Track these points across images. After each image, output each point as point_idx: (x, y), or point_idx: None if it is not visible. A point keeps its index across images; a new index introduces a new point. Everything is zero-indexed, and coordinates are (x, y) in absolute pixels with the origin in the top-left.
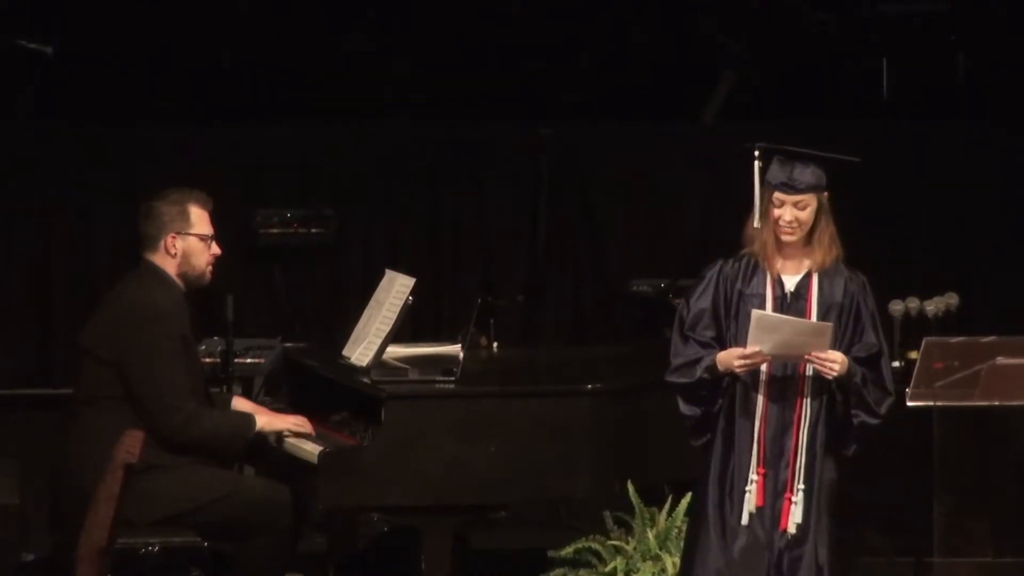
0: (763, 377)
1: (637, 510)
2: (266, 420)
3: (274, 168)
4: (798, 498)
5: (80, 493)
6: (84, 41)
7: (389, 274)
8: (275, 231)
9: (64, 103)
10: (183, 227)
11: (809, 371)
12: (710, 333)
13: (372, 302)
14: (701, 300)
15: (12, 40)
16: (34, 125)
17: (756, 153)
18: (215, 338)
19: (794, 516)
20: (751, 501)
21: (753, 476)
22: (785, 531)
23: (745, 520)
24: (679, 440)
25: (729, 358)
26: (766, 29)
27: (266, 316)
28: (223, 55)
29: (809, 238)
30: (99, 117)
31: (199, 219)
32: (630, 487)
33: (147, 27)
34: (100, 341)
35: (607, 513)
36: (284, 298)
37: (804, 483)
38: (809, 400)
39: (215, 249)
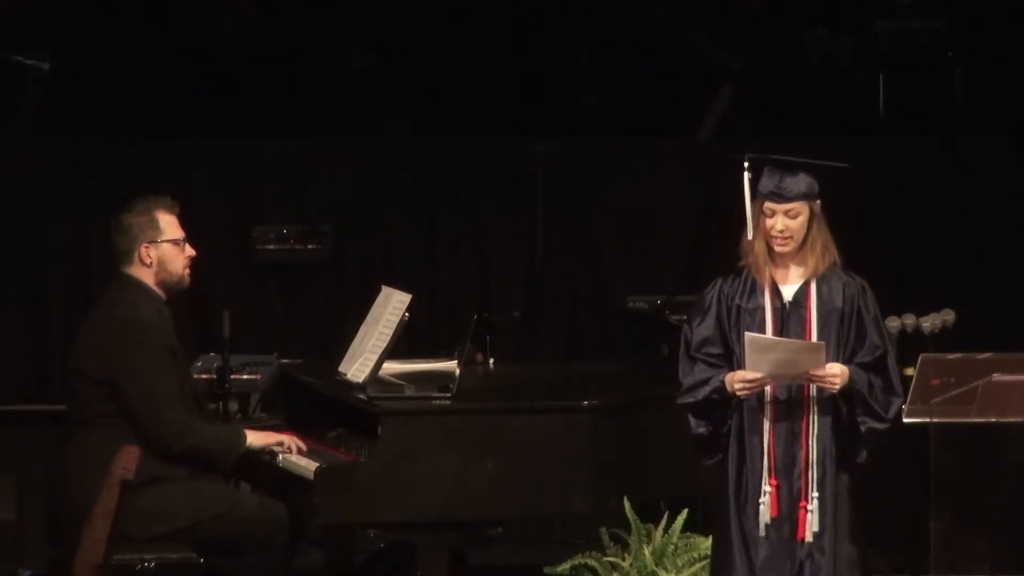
0: (768, 398)
1: (633, 527)
2: (255, 436)
3: (271, 184)
4: (813, 506)
5: (77, 509)
6: (81, 57)
7: (385, 290)
8: (272, 247)
9: (61, 119)
10: (154, 235)
11: (813, 390)
12: (716, 351)
13: (368, 318)
14: (704, 325)
15: (9, 56)
16: (31, 141)
17: (746, 164)
18: (211, 354)
19: (811, 525)
20: (766, 513)
21: (766, 487)
22: (803, 540)
23: (762, 532)
24: (677, 456)
25: (733, 381)
26: (763, 45)
27: (263, 332)
28: (221, 71)
29: (802, 247)
30: (96, 133)
31: (168, 225)
32: (626, 503)
33: (145, 43)
34: (89, 361)
35: (603, 530)
36: (281, 314)
37: (818, 491)
38: (816, 415)
39: (189, 251)
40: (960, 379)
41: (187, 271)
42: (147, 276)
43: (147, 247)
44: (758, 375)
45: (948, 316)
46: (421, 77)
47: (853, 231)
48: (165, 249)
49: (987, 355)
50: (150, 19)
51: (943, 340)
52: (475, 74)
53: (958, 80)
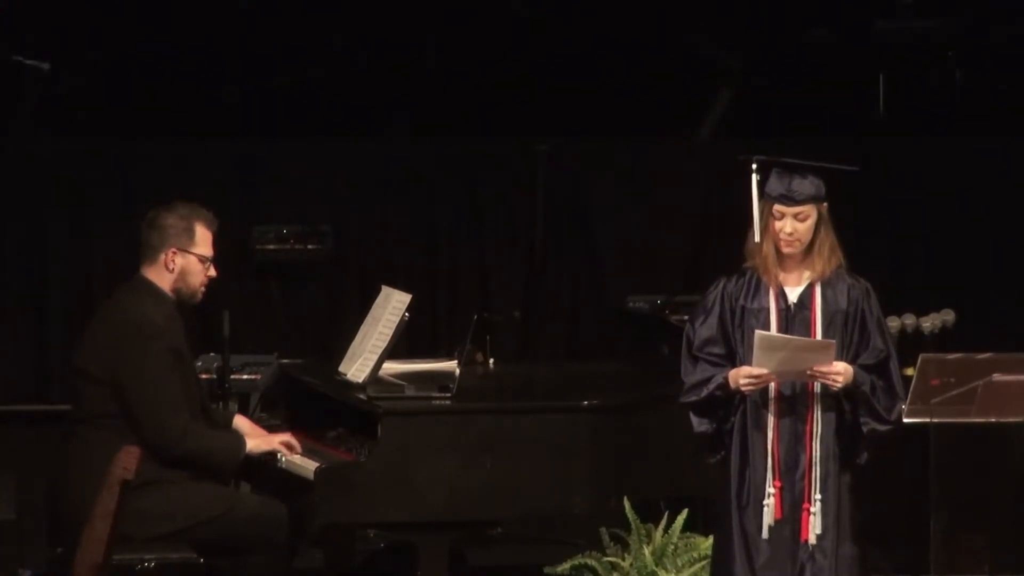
0: (772, 394)
1: (633, 527)
2: (255, 443)
3: (271, 184)
4: (816, 508)
5: (77, 509)
6: (81, 57)
7: (385, 290)
8: (272, 247)
9: (61, 118)
10: (186, 244)
11: (818, 387)
12: (719, 350)
13: (368, 318)
14: (707, 325)
15: (9, 56)
16: (31, 141)
17: (754, 166)
18: (211, 354)
19: (814, 527)
20: (770, 514)
21: (770, 489)
22: (806, 542)
23: (766, 534)
24: (677, 456)
25: (737, 377)
26: (763, 46)
27: (263, 332)
28: (222, 71)
29: (809, 249)
30: (97, 132)
31: (203, 239)
32: (626, 503)
33: (145, 42)
34: (94, 360)
35: (603, 530)
36: (281, 314)
37: (821, 493)
38: (820, 413)
39: (211, 271)
40: (960, 379)
41: (203, 288)
42: (164, 280)
43: (175, 253)
44: (763, 371)
45: (948, 316)
46: (421, 77)
47: (853, 231)
48: (191, 261)
49: (987, 355)
50: (150, 19)
51: (943, 340)
52: (475, 74)
53: (958, 80)
